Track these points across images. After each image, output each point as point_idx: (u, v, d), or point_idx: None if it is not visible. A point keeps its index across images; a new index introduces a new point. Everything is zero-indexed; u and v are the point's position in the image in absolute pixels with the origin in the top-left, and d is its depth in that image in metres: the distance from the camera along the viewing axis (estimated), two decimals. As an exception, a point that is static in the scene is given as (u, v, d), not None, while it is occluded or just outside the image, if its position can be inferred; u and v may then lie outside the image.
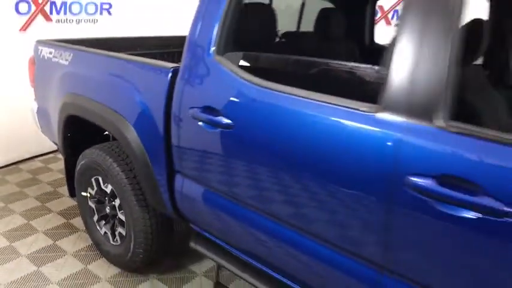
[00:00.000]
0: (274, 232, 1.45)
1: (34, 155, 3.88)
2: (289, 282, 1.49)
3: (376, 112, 1.13)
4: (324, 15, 2.39)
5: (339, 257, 1.27)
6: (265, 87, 1.40)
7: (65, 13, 3.90)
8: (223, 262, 1.76)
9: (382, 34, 2.98)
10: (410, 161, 1.06)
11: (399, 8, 4.95)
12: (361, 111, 1.17)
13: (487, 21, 2.07)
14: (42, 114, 2.69)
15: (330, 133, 1.23)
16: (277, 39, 2.34)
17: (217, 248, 1.80)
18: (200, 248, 1.84)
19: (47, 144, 3.04)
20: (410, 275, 1.13)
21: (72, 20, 3.97)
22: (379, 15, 5.02)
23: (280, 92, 1.37)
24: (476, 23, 1.87)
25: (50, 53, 2.46)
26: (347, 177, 1.19)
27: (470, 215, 0.96)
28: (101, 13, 4.16)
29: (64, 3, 3.87)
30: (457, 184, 0.98)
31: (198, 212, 1.78)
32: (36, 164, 3.78)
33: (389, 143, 1.10)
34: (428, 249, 1.08)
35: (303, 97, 1.31)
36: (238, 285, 2.16)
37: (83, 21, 4.04)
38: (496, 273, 0.98)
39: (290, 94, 1.34)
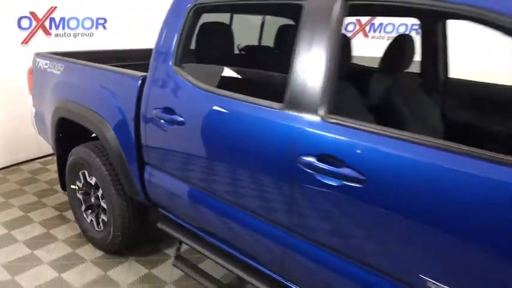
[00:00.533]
0: (216, 207, 1.81)
1: (34, 157, 4.27)
2: (234, 252, 1.84)
3: (282, 109, 1.50)
4: (282, 30, 2.76)
5: (261, 223, 1.63)
6: (208, 91, 1.77)
7: (63, 28, 4.33)
8: (184, 239, 2.11)
9: (360, 46, 3.32)
10: (302, 145, 1.41)
11: (375, 21, 5.32)
12: (273, 108, 1.53)
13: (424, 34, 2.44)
14: (39, 118, 3.08)
15: (253, 125, 1.60)
16: (238, 52, 2.70)
17: (180, 227, 2.16)
18: (166, 228, 2.21)
19: (46, 147, 3.43)
20: (308, 234, 1.48)
21: (70, 34, 4.40)
22: (357, 28, 5.41)
23: (219, 94, 1.74)
24: (400, 38, 2.25)
25: (46, 64, 2.86)
26: (264, 158, 1.55)
27: (338, 182, 1.32)
28: (97, 28, 4.58)
29: (62, 19, 4.30)
30: (331, 161, 1.33)
31: (162, 196, 2.15)
32: (36, 165, 4.17)
33: (289, 132, 1.46)
34: (316, 211, 1.43)
35: (235, 99, 1.68)
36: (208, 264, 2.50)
37: (79, 35, 4.47)
38: (357, 220, 1.33)
39: (227, 97, 1.71)
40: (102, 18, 4.59)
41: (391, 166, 1.23)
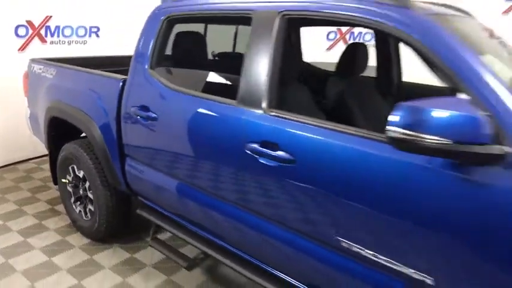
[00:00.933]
0: (184, 191, 2.10)
1: (29, 157, 4.56)
2: (201, 232, 2.13)
3: (235, 105, 1.80)
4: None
5: (218, 202, 1.92)
6: (177, 91, 2.07)
7: (58, 36, 4.65)
8: (159, 222, 2.40)
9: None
10: (248, 134, 1.71)
11: (354, 30, 5.61)
12: (229, 104, 1.83)
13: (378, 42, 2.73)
14: (33, 118, 3.38)
15: (213, 119, 1.89)
16: (213, 58, 3.01)
17: (156, 213, 2.45)
18: (144, 214, 2.49)
19: (41, 148, 3.71)
20: (256, 208, 1.77)
21: (65, 42, 4.71)
22: (338, 36, 5.75)
23: (186, 94, 2.04)
24: (352, 46, 2.55)
25: (40, 69, 3.16)
26: (220, 146, 1.85)
27: (275, 163, 1.61)
28: (90, 35, 4.90)
29: (57, 27, 4.62)
30: (269, 146, 1.63)
31: (141, 184, 2.44)
32: (31, 165, 4.46)
33: (239, 123, 1.75)
34: (261, 189, 1.72)
35: (199, 97, 1.98)
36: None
37: (74, 42, 4.78)
38: (291, 194, 1.62)
39: (192, 95, 2.01)
40: (95, 27, 4.91)
41: (314, 149, 1.52)
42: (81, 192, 2.96)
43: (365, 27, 1.56)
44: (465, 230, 1.19)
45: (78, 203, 3.02)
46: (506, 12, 4.73)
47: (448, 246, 1.23)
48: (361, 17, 1.48)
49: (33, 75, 3.26)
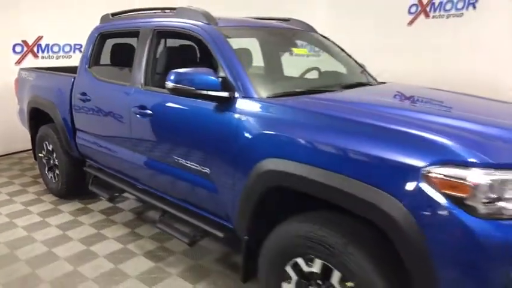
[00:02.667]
0: (106, 147, 3.23)
1: (24, 149, 5.76)
2: (139, 185, 3.24)
3: (128, 85, 2.93)
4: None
5: (121, 149, 3.04)
6: (101, 80, 3.23)
7: (48, 52, 5.93)
8: (98, 174, 3.53)
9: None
10: (133, 101, 2.83)
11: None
12: (125, 85, 2.97)
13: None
14: (21, 112, 4.58)
15: (118, 94, 3.02)
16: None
17: (96, 169, 3.58)
18: (88, 170, 3.63)
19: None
20: (137, 148, 2.88)
21: (53, 57, 5.98)
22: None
23: (105, 81, 3.20)
24: (168, 48, 3.57)
25: (25, 74, 4.39)
26: (120, 110, 2.97)
27: (146, 117, 2.73)
28: (74, 51, 6.16)
29: (47, 45, 5.90)
30: (142, 107, 2.75)
31: (86, 149, 3.58)
32: (24, 154, 5.67)
33: (129, 95, 2.89)
34: (138, 134, 2.83)
35: (112, 83, 3.12)
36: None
37: (61, 57, 6.05)
38: (154, 135, 2.72)
39: (108, 82, 3.17)
40: (79, 44, 6.15)
41: (158, 106, 2.64)
42: (51, 162, 4.12)
43: (187, 35, 2.68)
44: (220, 142, 2.25)
45: (50, 171, 4.18)
46: (410, 23, 5.81)
47: (213, 153, 2.30)
48: (186, 29, 2.61)
49: (21, 80, 4.49)
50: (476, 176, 1.46)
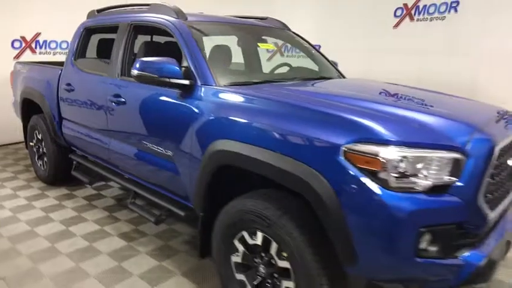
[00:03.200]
0: (88, 134, 3.44)
1: (20, 141, 5.99)
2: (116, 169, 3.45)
3: (107, 76, 3.14)
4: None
5: (100, 136, 3.24)
6: (84, 71, 3.45)
7: (46, 48, 6.18)
8: (81, 160, 3.74)
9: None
10: (109, 90, 3.04)
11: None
12: (104, 76, 3.18)
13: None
14: (15, 103, 4.82)
15: (100, 84, 3.22)
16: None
17: (85, 160, 3.79)
18: (72, 157, 3.84)
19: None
20: (113, 134, 3.08)
21: (50, 52, 6.23)
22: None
23: (88, 73, 3.41)
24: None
25: (20, 68, 4.63)
26: (99, 99, 3.17)
27: (120, 104, 2.93)
28: (71, 48, 6.40)
29: (45, 41, 6.15)
30: (117, 96, 2.95)
31: (70, 136, 3.79)
32: (20, 145, 5.91)
33: (106, 85, 3.09)
34: (114, 121, 3.03)
35: (94, 74, 3.33)
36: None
37: (58, 53, 6.30)
38: (127, 121, 2.91)
39: (91, 73, 3.38)
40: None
41: (129, 94, 2.84)
42: (41, 151, 4.34)
43: (159, 29, 2.88)
44: (181, 126, 2.44)
45: (40, 159, 4.40)
46: (396, 26, 5.97)
47: (175, 136, 2.49)
48: (157, 24, 2.81)
49: (15, 72, 4.73)
50: (388, 153, 1.63)
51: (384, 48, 6.01)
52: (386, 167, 1.62)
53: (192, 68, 2.47)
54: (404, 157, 1.64)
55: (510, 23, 4.68)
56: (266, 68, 3.79)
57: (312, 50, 3.58)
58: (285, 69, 3.58)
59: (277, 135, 1.91)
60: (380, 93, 2.58)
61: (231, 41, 3.30)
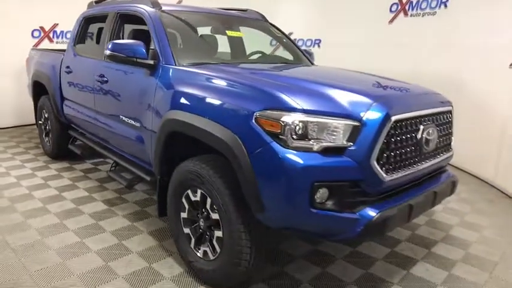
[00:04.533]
0: (83, 112, 3.89)
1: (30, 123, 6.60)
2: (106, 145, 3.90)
3: (99, 60, 3.58)
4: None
5: (90, 112, 3.68)
6: (81, 55, 3.91)
7: (62, 37, 6.75)
8: (77, 136, 4.21)
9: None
10: (96, 70, 3.47)
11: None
12: (96, 59, 3.61)
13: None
14: (29, 85, 5.37)
15: (92, 66, 3.67)
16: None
17: (80, 134, 4.26)
18: (71, 132, 4.32)
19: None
20: (102, 110, 3.51)
21: (67, 42, 6.76)
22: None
23: (84, 56, 3.87)
24: (132, 30, 4.15)
25: (33, 53, 5.18)
26: (89, 79, 3.62)
27: (104, 83, 3.35)
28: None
29: (62, 32, 6.72)
30: (102, 76, 3.37)
31: (69, 115, 4.26)
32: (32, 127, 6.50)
33: (94, 65, 3.52)
34: (100, 98, 3.46)
35: (89, 57, 3.78)
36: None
37: (74, 43, 6.84)
38: (108, 95, 3.33)
39: (86, 57, 3.83)
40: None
41: (109, 73, 3.25)
42: (47, 128, 4.86)
43: (134, 16, 3.27)
44: (145, 99, 2.82)
45: (46, 136, 4.92)
46: (391, 21, 6.16)
47: (141, 109, 2.87)
48: (135, 12, 3.21)
49: (30, 58, 5.28)
50: (288, 118, 1.95)
51: (379, 43, 6.21)
52: (286, 130, 1.94)
53: (158, 50, 2.85)
54: (302, 121, 1.95)
55: (498, 18, 4.78)
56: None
57: (284, 39, 3.89)
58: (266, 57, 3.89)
59: (212, 105, 2.26)
60: (320, 75, 2.89)
61: (206, 30, 3.66)
